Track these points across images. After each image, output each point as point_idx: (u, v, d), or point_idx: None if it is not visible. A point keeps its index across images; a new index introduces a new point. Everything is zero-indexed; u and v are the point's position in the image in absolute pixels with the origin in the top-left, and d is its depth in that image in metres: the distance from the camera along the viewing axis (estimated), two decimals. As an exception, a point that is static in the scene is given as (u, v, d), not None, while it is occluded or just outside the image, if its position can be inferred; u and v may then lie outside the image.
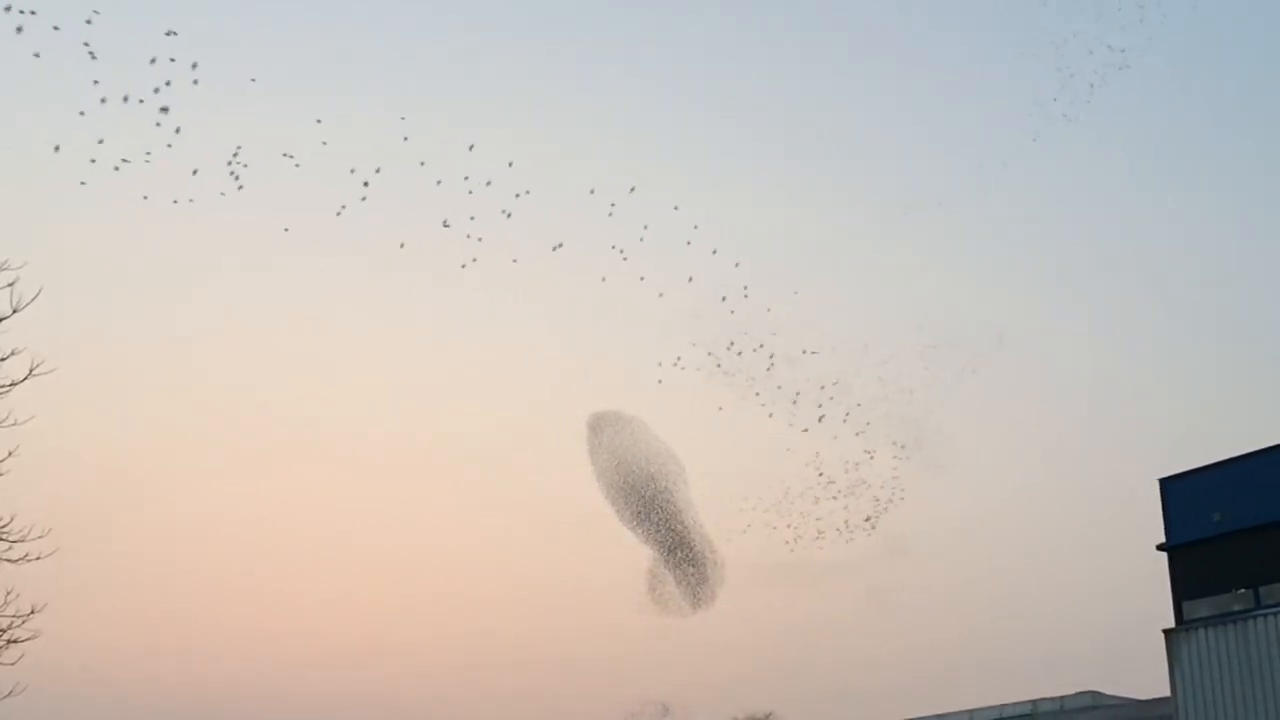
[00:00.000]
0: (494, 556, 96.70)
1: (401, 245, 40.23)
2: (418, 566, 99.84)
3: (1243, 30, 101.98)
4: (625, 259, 40.87)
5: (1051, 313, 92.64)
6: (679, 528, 43.02)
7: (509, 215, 37.94)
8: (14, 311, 22.54)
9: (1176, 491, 39.86)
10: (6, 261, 22.36)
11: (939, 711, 55.84)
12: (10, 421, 23.20)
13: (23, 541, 23.88)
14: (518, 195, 38.19)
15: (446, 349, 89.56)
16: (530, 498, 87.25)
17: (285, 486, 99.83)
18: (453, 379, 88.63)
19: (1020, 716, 51.92)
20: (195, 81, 31.56)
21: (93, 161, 31.30)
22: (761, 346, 43.66)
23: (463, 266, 38.50)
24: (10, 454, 23.47)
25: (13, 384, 23.07)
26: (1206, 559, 38.31)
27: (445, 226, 37.77)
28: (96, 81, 30.16)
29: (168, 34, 31.12)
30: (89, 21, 30.59)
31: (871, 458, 44.70)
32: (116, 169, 31.85)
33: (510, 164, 37.99)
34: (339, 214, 36.23)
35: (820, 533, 45.39)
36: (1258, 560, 36.93)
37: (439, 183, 37.16)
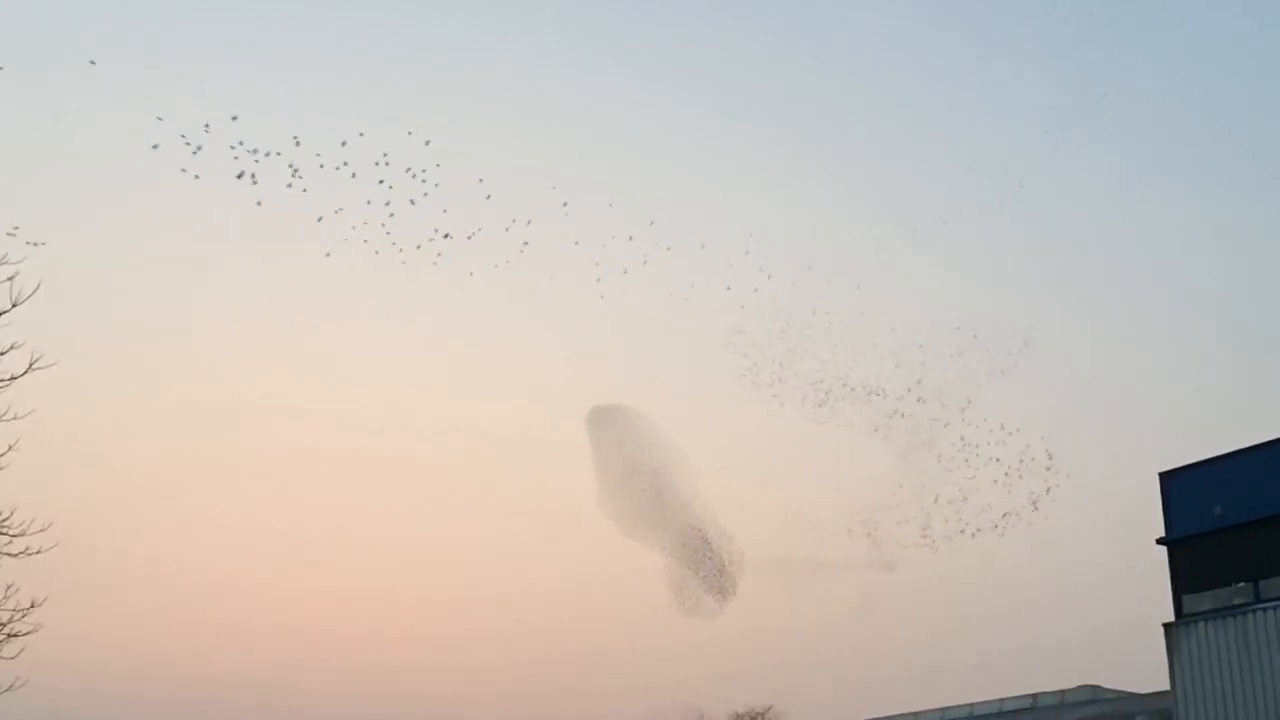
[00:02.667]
0: (500, 554, 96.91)
1: (551, 278, 49.91)
2: (425, 564, 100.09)
3: (1248, 33, 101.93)
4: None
5: (1050, 311, 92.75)
6: (699, 523, 43.05)
7: (647, 263, 44.61)
8: (13, 305, 22.52)
9: (1176, 485, 39.84)
10: (6, 256, 22.34)
11: (940, 705, 55.92)
12: (10, 415, 23.16)
13: (23, 535, 23.87)
14: (663, 248, 44.51)
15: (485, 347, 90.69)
16: (540, 494, 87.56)
17: (287, 482, 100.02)
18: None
19: (1020, 710, 51.94)
20: (437, 184, 40.47)
21: (352, 228, 40.43)
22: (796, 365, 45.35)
23: (602, 298, 45.45)
24: (10, 448, 23.44)
25: (13, 378, 23.04)
26: (1206, 553, 38.29)
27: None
28: (382, 181, 40.04)
29: (425, 144, 40.68)
30: (384, 158, 40.01)
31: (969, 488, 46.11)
32: (344, 239, 40.79)
33: (652, 222, 45.00)
34: (496, 268, 44.26)
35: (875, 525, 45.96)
36: (1257, 554, 36.92)
37: (576, 243, 44.56)
